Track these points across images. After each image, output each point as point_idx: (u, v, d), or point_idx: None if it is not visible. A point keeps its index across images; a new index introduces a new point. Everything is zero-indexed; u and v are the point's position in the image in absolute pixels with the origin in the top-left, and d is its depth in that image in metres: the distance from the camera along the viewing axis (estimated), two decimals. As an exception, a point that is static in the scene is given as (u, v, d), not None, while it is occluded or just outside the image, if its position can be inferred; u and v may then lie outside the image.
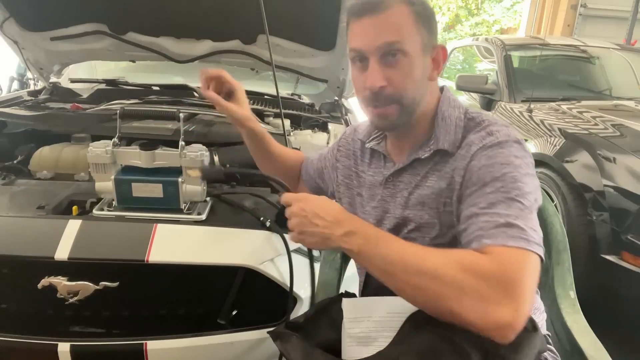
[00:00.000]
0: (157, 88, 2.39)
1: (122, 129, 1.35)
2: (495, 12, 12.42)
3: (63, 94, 2.38)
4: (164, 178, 1.24)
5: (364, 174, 1.07)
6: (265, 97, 2.44)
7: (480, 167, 0.82)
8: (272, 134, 1.98)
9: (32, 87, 2.74)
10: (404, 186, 0.96)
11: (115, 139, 1.25)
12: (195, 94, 2.32)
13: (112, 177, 1.23)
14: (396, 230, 0.97)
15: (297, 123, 2.22)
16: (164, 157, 1.25)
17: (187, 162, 1.23)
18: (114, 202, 1.28)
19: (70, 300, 1.15)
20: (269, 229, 1.26)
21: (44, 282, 1.13)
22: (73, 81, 2.54)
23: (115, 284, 1.15)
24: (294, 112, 2.24)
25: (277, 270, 1.23)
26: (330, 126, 2.24)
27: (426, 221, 0.92)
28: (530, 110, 2.95)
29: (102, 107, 1.96)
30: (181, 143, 1.25)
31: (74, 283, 1.14)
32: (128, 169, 1.26)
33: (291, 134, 2.05)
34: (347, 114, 2.44)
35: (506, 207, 0.75)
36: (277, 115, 2.20)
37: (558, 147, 2.53)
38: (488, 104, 3.38)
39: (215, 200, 1.37)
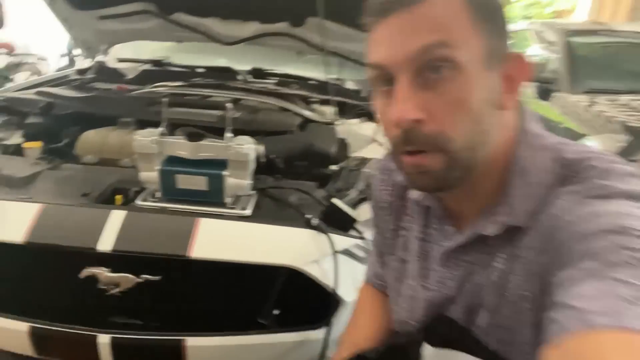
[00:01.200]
0: (202, 70, 2.35)
1: (166, 113, 1.31)
2: (551, -8, 11.75)
3: (109, 74, 2.38)
4: (209, 171, 1.20)
5: (406, 233, 0.74)
6: (310, 82, 2.36)
7: (576, 218, 0.51)
8: (316, 122, 1.94)
9: (79, 65, 2.76)
10: (478, 270, 0.64)
11: (163, 129, 1.21)
12: (239, 77, 2.27)
13: (157, 167, 1.20)
14: (466, 318, 0.68)
15: (343, 111, 2.13)
16: (209, 148, 1.20)
17: (233, 155, 1.18)
18: (157, 193, 1.24)
19: (111, 292, 1.13)
20: (315, 228, 1.19)
21: (86, 272, 1.12)
22: (120, 60, 2.54)
23: (157, 278, 1.13)
24: (340, 98, 2.15)
25: (322, 272, 1.17)
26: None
27: (513, 324, 0.61)
28: (592, 103, 2.74)
29: (147, 90, 1.94)
30: (228, 134, 1.20)
31: (115, 275, 1.12)
32: (173, 160, 1.22)
33: (337, 123, 1.97)
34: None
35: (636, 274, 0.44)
36: (323, 102, 2.12)
37: (623, 145, 2.34)
38: (544, 94, 3.17)
39: (260, 194, 1.32)
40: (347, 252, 1.23)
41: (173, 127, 1.58)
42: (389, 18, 0.53)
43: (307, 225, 1.20)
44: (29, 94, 1.82)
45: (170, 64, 2.41)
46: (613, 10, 7.10)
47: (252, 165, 1.22)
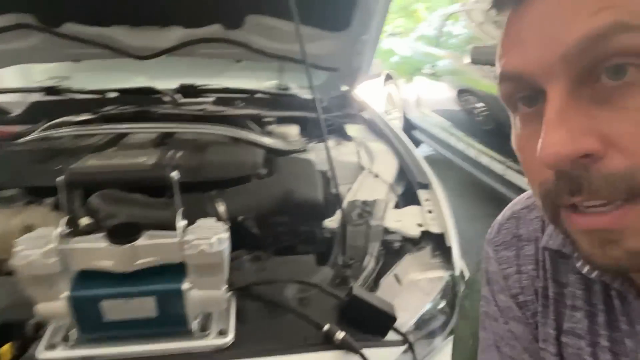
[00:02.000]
0: (115, 94, 1.81)
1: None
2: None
3: None
4: (157, 286, 0.72)
5: (574, 341, 0.45)
6: (258, 95, 1.90)
7: None
8: (281, 151, 1.49)
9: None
10: None
11: (64, 228, 0.71)
12: (166, 98, 1.75)
13: (64, 294, 0.70)
14: None
15: (307, 130, 1.69)
16: (152, 251, 0.72)
17: (195, 257, 0.71)
18: (71, 333, 0.75)
19: None
20: (340, 345, 0.76)
21: None
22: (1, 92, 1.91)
23: None
24: (304, 113, 1.70)
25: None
26: (350, 130, 1.73)
27: None
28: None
29: (37, 136, 1.38)
30: (180, 224, 0.73)
31: None
32: (91, 277, 0.72)
33: (307, 148, 1.54)
34: (362, 109, 1.93)
35: None
36: (282, 121, 1.67)
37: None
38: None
39: (239, 295, 0.86)
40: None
41: (86, 191, 1.07)
42: (524, 2, 0.34)
43: (326, 341, 0.77)
44: None
45: (69, 90, 1.83)
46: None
47: (227, 264, 0.75)
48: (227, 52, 1.80)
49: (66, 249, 0.69)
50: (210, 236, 0.71)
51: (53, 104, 1.78)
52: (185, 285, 0.72)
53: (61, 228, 0.70)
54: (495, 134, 3.05)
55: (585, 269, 0.43)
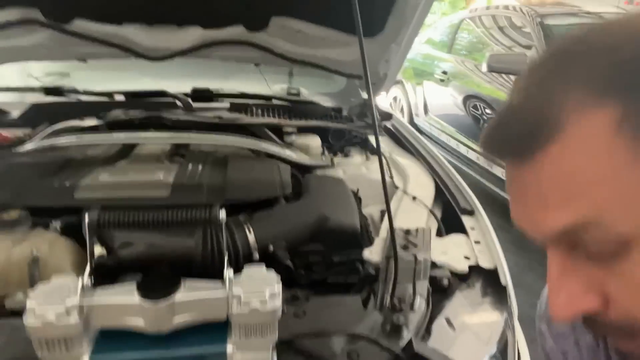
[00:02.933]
0: (123, 98, 1.68)
1: (93, 240, 0.68)
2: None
3: None
4: (197, 350, 0.61)
5: None
6: (276, 102, 1.78)
7: None
8: (307, 167, 1.37)
9: None
10: None
11: (86, 278, 0.59)
12: (179, 102, 1.62)
13: (85, 357, 0.58)
14: None
15: (329, 142, 1.58)
16: (192, 308, 0.60)
17: (244, 317, 0.60)
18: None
19: None
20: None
21: None
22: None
23: None
24: (329, 124, 1.57)
25: None
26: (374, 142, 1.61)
27: None
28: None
29: (41, 145, 1.26)
30: (229, 275, 0.61)
31: None
32: (116, 337, 0.60)
33: (333, 162, 1.42)
34: (386, 119, 1.81)
35: None
36: (302, 131, 1.55)
37: None
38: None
39: (281, 349, 0.74)
40: None
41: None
42: (507, 166, 0.37)
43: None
44: None
45: (74, 91, 1.70)
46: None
47: (276, 323, 0.64)
48: (246, 56, 1.67)
49: (90, 305, 0.57)
50: (262, 290, 0.60)
51: (55, 107, 1.64)
52: (229, 349, 0.61)
53: (85, 279, 0.59)
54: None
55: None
